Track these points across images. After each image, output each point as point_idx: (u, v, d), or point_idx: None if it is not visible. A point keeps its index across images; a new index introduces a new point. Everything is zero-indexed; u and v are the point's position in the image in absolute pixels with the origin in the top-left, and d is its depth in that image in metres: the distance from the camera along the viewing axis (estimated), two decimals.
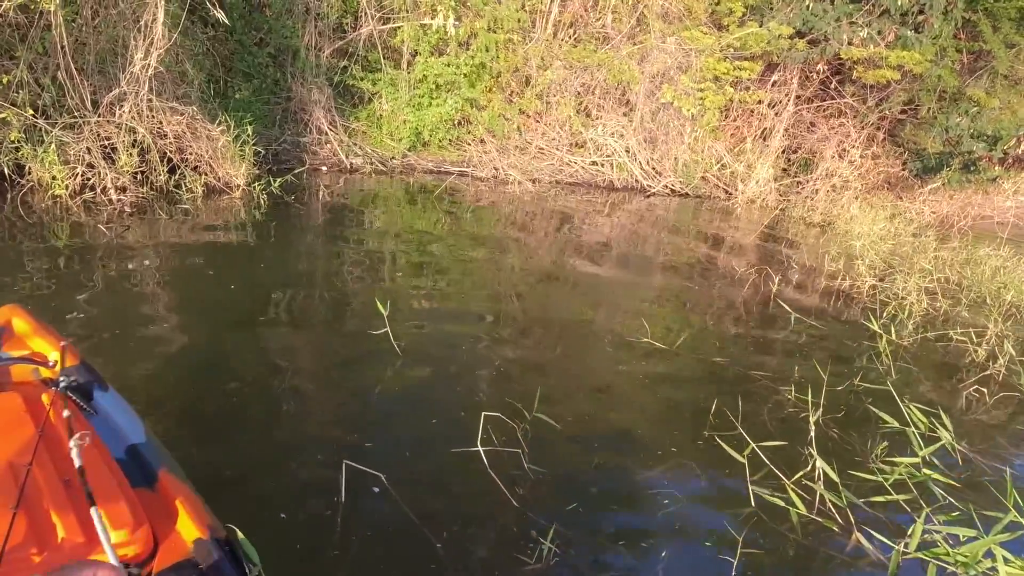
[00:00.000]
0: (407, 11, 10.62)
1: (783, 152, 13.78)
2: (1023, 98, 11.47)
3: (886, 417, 2.95)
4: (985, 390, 3.83)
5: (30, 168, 5.76)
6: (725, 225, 10.34)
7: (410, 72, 10.95)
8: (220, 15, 6.50)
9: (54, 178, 5.66)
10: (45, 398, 1.73)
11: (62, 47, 5.66)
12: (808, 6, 12.40)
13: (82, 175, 5.91)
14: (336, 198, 7.78)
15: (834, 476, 2.39)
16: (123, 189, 6.12)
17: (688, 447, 2.78)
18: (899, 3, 11.25)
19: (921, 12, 11.21)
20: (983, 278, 6.72)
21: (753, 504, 2.42)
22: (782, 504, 2.35)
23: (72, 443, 1.50)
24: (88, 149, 5.98)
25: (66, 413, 1.65)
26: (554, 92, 12.42)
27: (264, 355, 3.34)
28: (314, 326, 3.85)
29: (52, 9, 5.40)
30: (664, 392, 3.39)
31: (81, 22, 6.10)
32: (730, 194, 13.80)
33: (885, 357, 4.23)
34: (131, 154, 6.22)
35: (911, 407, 2.97)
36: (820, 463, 2.35)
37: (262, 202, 6.66)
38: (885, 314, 5.15)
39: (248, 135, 7.20)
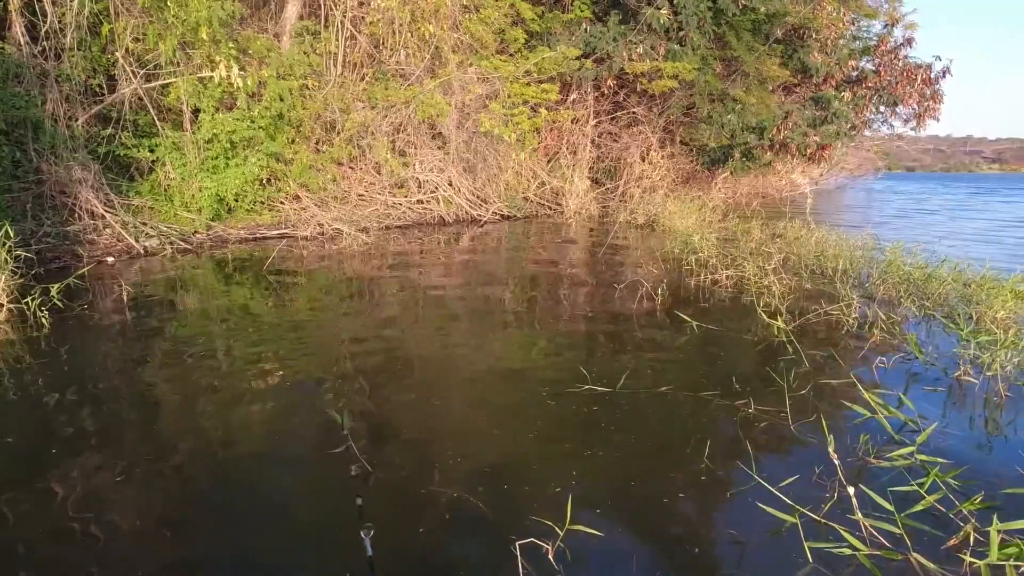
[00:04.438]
0: (177, 64, 9.19)
1: (591, 163, 14.69)
2: (770, 94, 13.58)
3: (860, 409, 2.91)
4: (884, 359, 4.08)
5: None
6: (566, 242, 10.52)
7: (195, 132, 9.50)
8: None
9: None
10: None
11: None
12: (586, 29, 13.38)
13: None
14: (138, 292, 6.26)
15: (887, 504, 2.19)
16: None
17: (726, 518, 2.40)
18: (661, 21, 12.61)
19: (680, 28, 12.68)
20: (809, 252, 7.56)
21: (811, 560, 2.11)
22: (848, 552, 2.08)
23: None
24: None
25: None
26: (363, 135, 11.77)
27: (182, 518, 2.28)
28: (218, 460, 2.80)
29: None
30: (653, 446, 3.00)
31: None
32: (553, 210, 14.32)
33: (788, 346, 4.34)
34: None
35: (871, 395, 2.96)
36: (854, 491, 2.14)
37: (43, 320, 5.04)
38: (761, 303, 5.41)
39: (6, 236, 5.48)
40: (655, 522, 2.38)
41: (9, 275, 5.62)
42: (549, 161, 14.85)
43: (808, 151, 11.86)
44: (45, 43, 7.94)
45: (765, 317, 4.95)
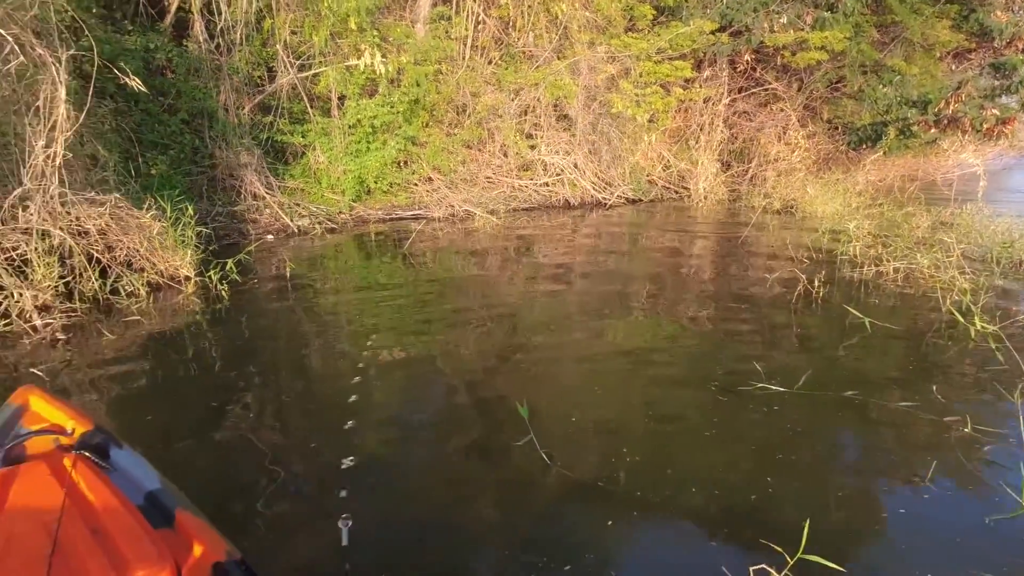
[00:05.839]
0: (326, 54, 9.76)
1: (719, 144, 13.90)
2: (938, 62, 12.09)
3: None
4: None
5: None
6: (699, 226, 10.08)
7: (341, 118, 10.07)
8: (135, 83, 5.46)
9: None
10: (67, 462, 1.91)
11: None
12: (723, 1, 12.58)
13: None
14: (297, 267, 6.78)
15: None
16: (46, 308, 4.93)
17: (971, 554, 2.16)
18: None
19: None
20: (994, 243, 6.68)
21: None
22: None
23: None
24: None
25: (87, 472, 1.87)
26: (492, 118, 11.91)
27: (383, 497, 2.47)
28: (425, 443, 2.99)
29: None
30: (853, 458, 2.79)
31: None
32: (679, 193, 13.77)
33: (998, 353, 3.85)
34: (49, 264, 5.04)
35: None
36: None
37: (223, 293, 5.60)
38: (947, 300, 4.86)
39: (188, 216, 6.15)
40: (883, 549, 2.19)
41: (194, 250, 6.31)
42: (676, 143, 14.27)
43: (985, 127, 10.44)
44: (219, 39, 8.71)
45: (959, 317, 4.43)
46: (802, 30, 11.52)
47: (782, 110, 12.39)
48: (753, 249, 7.79)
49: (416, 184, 11.04)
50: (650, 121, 12.36)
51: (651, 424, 3.13)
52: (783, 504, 2.40)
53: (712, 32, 12.20)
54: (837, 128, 13.54)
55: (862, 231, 7.42)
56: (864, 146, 12.57)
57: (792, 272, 6.12)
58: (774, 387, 3.39)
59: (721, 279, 6.27)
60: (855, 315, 4.58)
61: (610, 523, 2.32)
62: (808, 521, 1.97)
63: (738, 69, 12.95)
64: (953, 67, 13.00)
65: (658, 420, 3.18)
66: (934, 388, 3.37)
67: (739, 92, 13.27)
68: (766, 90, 13.14)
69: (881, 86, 11.77)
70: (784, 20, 11.71)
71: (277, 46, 9.38)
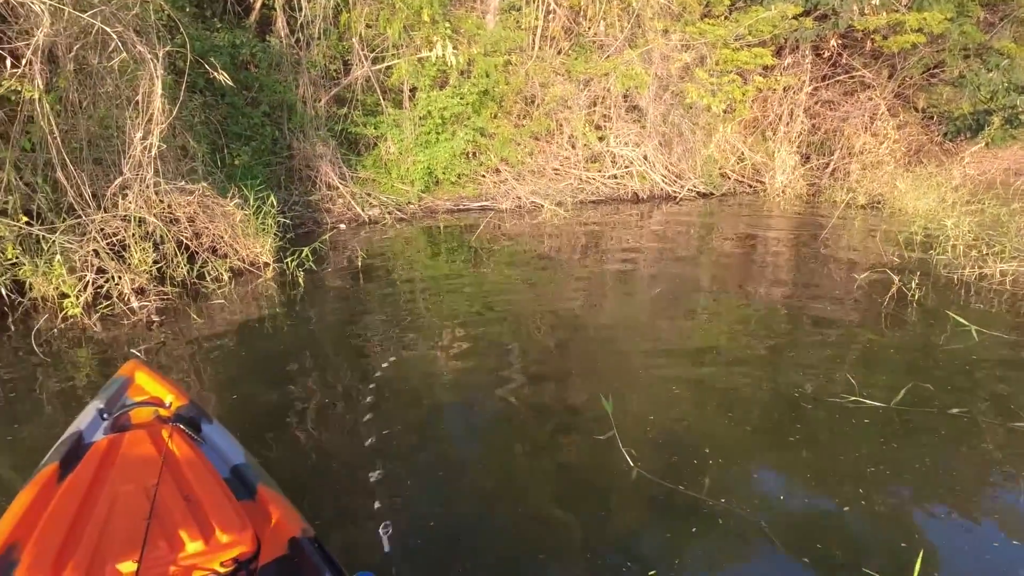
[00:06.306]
0: (399, 47, 9.90)
1: (798, 135, 13.22)
2: None
3: None
4: None
5: (31, 284, 4.87)
6: (778, 222, 9.64)
7: (412, 109, 10.20)
8: (223, 77, 5.70)
9: (64, 295, 4.77)
10: (164, 433, 2.08)
11: (52, 139, 4.81)
12: None
13: (92, 283, 5.02)
14: (367, 256, 6.93)
15: None
16: (141, 291, 5.24)
17: None
18: None
19: None
20: None
21: None
22: None
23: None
24: (95, 251, 5.12)
25: (181, 443, 2.04)
26: (561, 109, 11.77)
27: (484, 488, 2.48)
28: (510, 434, 3.00)
29: (37, 97, 4.57)
30: (959, 478, 2.57)
31: (64, 108, 5.27)
32: (753, 187, 13.20)
33: None
34: (144, 249, 5.36)
35: None
36: None
37: (299, 279, 5.80)
38: None
39: (271, 205, 6.39)
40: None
41: (273, 238, 6.55)
42: (752, 134, 13.67)
43: None
44: (299, 34, 8.99)
45: None
46: (897, 11, 10.76)
47: (870, 99, 11.62)
48: (836, 247, 7.36)
49: (484, 175, 11.08)
50: (726, 111, 11.88)
51: (733, 429, 2.99)
52: (881, 526, 2.23)
53: (795, 16, 11.59)
54: (932, 118, 12.61)
55: (961, 229, 6.88)
56: (962, 137, 11.65)
57: (882, 272, 5.74)
58: (869, 401, 3.17)
59: (803, 279, 5.96)
60: (958, 322, 4.24)
61: (694, 530, 2.23)
62: (921, 553, 1.81)
63: (822, 55, 12.26)
64: None
65: (740, 425, 3.04)
66: None
67: (822, 80, 12.56)
68: (852, 77, 12.37)
69: (986, 71, 10.85)
70: (876, 1, 10.96)
71: (353, 40, 9.59)
